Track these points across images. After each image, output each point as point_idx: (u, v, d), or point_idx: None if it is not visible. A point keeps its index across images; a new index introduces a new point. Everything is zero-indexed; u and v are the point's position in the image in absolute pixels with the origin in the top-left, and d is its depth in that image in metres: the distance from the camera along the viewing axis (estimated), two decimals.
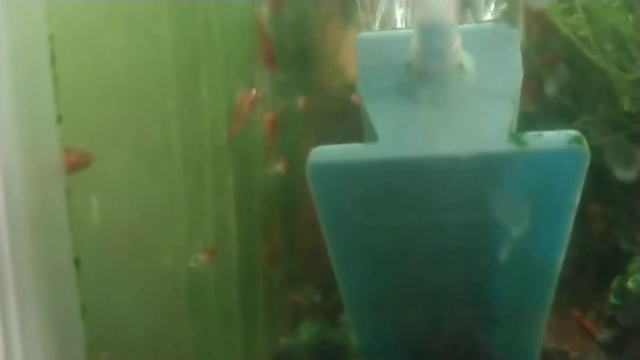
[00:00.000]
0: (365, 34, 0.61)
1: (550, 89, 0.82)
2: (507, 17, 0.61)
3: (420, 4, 0.54)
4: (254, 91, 0.81)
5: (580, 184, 0.56)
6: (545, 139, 0.54)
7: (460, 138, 0.55)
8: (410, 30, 0.57)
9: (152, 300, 0.67)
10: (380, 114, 0.57)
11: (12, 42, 0.47)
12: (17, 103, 0.47)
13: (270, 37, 0.87)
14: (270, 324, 0.91)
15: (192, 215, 0.72)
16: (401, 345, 0.70)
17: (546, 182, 0.56)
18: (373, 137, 0.56)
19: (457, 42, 0.55)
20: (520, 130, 0.55)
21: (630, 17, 0.76)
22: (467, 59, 0.57)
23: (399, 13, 0.64)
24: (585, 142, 0.54)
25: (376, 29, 0.66)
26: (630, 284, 0.74)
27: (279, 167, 0.93)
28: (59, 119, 0.51)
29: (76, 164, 0.54)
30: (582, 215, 0.59)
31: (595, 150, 0.56)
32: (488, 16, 0.63)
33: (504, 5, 0.63)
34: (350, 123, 0.70)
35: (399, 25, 0.66)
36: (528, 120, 0.61)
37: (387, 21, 0.64)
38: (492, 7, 0.63)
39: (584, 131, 0.54)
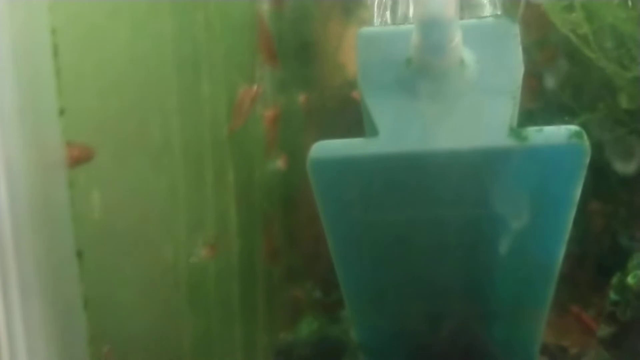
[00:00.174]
0: (366, 29, 0.61)
1: (550, 85, 0.82)
2: (507, 12, 0.61)
3: (420, 0, 0.54)
4: (255, 87, 0.81)
5: (581, 180, 0.56)
6: (546, 134, 0.54)
7: (461, 133, 0.55)
8: (411, 26, 0.57)
9: (152, 294, 0.67)
10: (380, 109, 0.57)
11: (14, 35, 0.47)
12: (19, 96, 0.47)
13: (270, 33, 0.87)
14: (270, 319, 0.91)
15: (192, 209, 0.72)
16: (401, 340, 0.70)
17: (546, 177, 0.56)
18: (373, 132, 0.56)
19: (457, 38, 0.55)
20: (521, 126, 0.55)
21: (630, 15, 0.76)
22: (467, 54, 0.57)
23: (401, 10, 0.64)
24: (585, 137, 0.54)
25: (377, 24, 0.66)
26: (630, 280, 0.74)
27: (279, 163, 0.93)
28: (62, 112, 0.51)
29: (78, 158, 0.54)
30: (582, 212, 0.59)
31: (595, 147, 0.55)
32: (488, 12, 0.63)
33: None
34: (350, 119, 0.70)
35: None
36: (528, 116, 0.62)
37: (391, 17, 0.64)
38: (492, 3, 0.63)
39: (584, 127, 0.54)
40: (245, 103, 0.80)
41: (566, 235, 0.60)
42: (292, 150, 0.94)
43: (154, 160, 0.66)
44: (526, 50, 0.58)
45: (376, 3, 0.65)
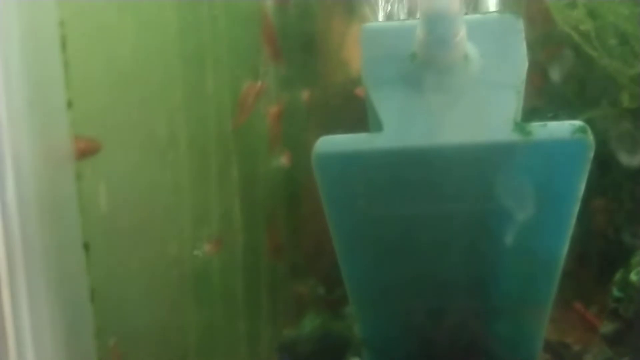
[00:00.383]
0: (370, 24, 0.61)
1: (554, 80, 0.82)
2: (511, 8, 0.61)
3: None
4: (259, 83, 0.81)
5: (585, 175, 0.56)
6: (550, 129, 0.54)
7: (465, 128, 0.55)
8: (415, 21, 0.57)
9: (157, 287, 0.67)
10: (385, 104, 0.57)
11: (22, 27, 0.47)
12: (27, 89, 0.48)
13: (275, 29, 0.87)
14: (274, 314, 0.91)
15: (197, 204, 0.72)
16: (404, 336, 0.70)
17: (550, 172, 0.56)
18: (378, 127, 0.56)
19: (461, 32, 0.55)
20: (525, 121, 0.56)
21: (632, 12, 0.76)
22: (471, 49, 0.57)
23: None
24: (589, 132, 0.54)
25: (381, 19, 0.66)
26: (633, 276, 0.74)
27: (282, 159, 0.93)
28: (69, 105, 0.52)
29: (85, 151, 0.54)
30: (586, 208, 0.59)
31: (599, 143, 0.56)
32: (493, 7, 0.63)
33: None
34: (353, 116, 0.70)
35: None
36: (531, 112, 0.62)
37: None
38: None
39: (588, 122, 0.54)
40: (249, 99, 0.80)
41: (570, 231, 0.60)
42: (295, 146, 0.94)
43: (159, 155, 0.66)
44: (530, 46, 0.58)
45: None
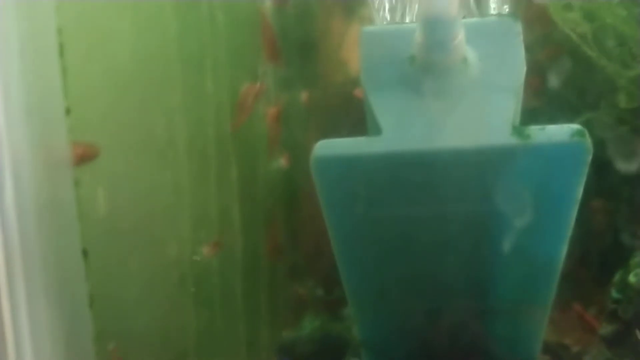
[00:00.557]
0: (369, 27, 0.61)
1: (553, 83, 0.82)
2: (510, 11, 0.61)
3: None
4: (257, 84, 0.81)
5: (583, 178, 0.56)
6: (548, 133, 0.54)
7: (464, 131, 0.55)
8: (414, 24, 0.57)
9: (157, 291, 0.67)
10: (383, 107, 0.57)
11: (21, 34, 0.47)
12: (26, 95, 0.48)
13: (273, 30, 0.87)
14: (273, 316, 0.91)
15: (196, 207, 0.72)
16: (403, 337, 0.70)
17: (549, 175, 0.56)
18: (376, 131, 0.56)
19: (460, 35, 0.55)
20: (523, 124, 0.56)
21: (630, 14, 0.76)
22: (470, 53, 0.57)
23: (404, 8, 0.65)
24: (587, 135, 0.54)
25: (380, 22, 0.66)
26: (632, 278, 0.74)
27: (281, 160, 0.93)
28: (68, 111, 0.52)
29: (83, 156, 0.54)
30: (584, 210, 0.59)
31: (597, 145, 0.56)
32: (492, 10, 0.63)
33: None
34: (352, 118, 0.70)
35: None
36: (530, 115, 0.62)
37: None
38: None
39: (586, 125, 0.55)
40: (248, 100, 0.80)
41: (568, 233, 0.60)
42: (294, 147, 0.94)
43: (158, 158, 0.66)
44: (529, 49, 0.58)
45: (377, 1, 0.65)
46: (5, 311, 0.46)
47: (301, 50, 0.98)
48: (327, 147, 0.56)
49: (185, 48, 0.70)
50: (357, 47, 0.60)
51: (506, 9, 0.64)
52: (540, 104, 0.81)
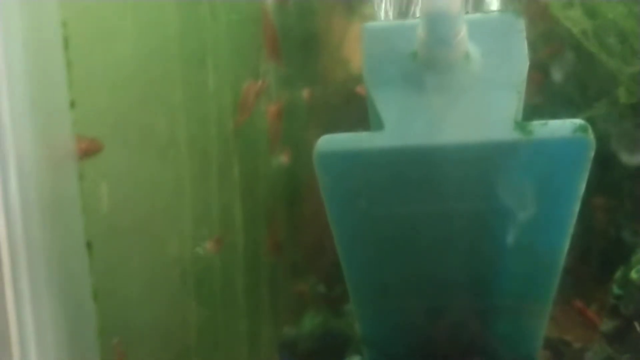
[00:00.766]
0: (371, 23, 0.61)
1: (555, 79, 0.83)
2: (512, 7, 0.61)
3: None
4: (259, 82, 0.81)
5: (586, 173, 0.56)
6: (551, 128, 0.54)
7: (466, 127, 0.55)
8: (416, 20, 0.57)
9: (159, 286, 0.68)
10: (386, 103, 0.57)
11: (25, 28, 0.47)
12: (30, 88, 0.48)
13: (275, 28, 0.87)
14: (274, 313, 0.92)
15: (198, 203, 0.72)
16: (404, 334, 0.70)
17: (551, 170, 0.56)
18: (379, 126, 0.57)
19: (463, 32, 0.55)
20: (526, 120, 0.56)
21: (631, 10, 0.76)
22: (472, 49, 0.57)
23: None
24: (590, 131, 0.54)
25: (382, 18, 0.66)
26: (633, 274, 0.74)
27: (282, 157, 0.93)
28: (72, 105, 0.52)
29: (87, 150, 0.54)
30: (586, 206, 0.59)
31: (600, 140, 0.56)
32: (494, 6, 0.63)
33: None
34: (354, 115, 0.70)
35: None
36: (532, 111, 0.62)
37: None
38: None
39: (589, 120, 0.55)
40: (250, 97, 0.80)
41: (570, 229, 0.60)
42: (295, 145, 0.94)
43: (160, 154, 0.67)
44: (531, 45, 0.58)
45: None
46: (9, 304, 0.46)
47: (303, 47, 0.98)
48: (330, 142, 0.57)
49: (188, 45, 0.70)
50: (359, 44, 0.60)
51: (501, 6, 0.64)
52: (542, 100, 0.81)
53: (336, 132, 0.57)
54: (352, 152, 0.56)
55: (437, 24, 0.55)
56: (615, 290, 0.75)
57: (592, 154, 0.55)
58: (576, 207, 0.58)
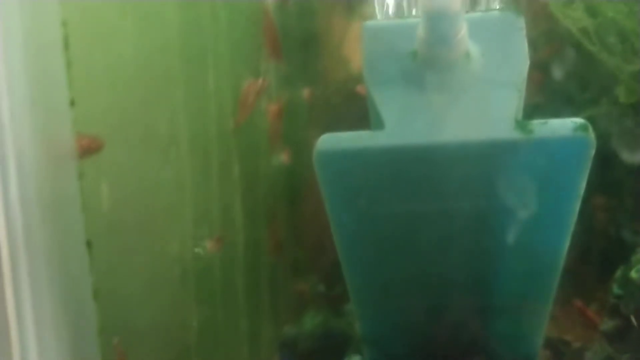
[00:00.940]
0: (371, 22, 0.61)
1: (555, 78, 0.83)
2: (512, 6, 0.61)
3: None
4: (259, 80, 0.81)
5: (586, 172, 0.56)
6: (551, 127, 0.54)
7: (467, 125, 0.55)
8: (416, 19, 0.57)
9: (159, 285, 0.68)
10: (386, 102, 0.57)
11: (25, 27, 0.47)
12: (30, 87, 0.48)
13: (276, 27, 0.87)
14: (275, 312, 0.92)
15: (198, 202, 0.72)
16: (405, 333, 0.70)
17: (552, 169, 0.56)
18: (379, 125, 0.56)
19: (463, 30, 0.55)
20: (526, 119, 0.56)
21: (631, 9, 0.76)
22: (473, 47, 0.57)
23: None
24: (590, 130, 0.54)
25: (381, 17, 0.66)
26: (633, 274, 0.74)
27: (282, 157, 0.93)
28: (72, 103, 0.52)
29: (88, 149, 0.54)
30: (586, 205, 0.59)
31: (600, 140, 0.56)
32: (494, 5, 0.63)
33: None
34: (354, 114, 0.70)
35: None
36: (533, 109, 0.62)
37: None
38: None
39: (589, 119, 0.55)
40: (250, 96, 0.80)
41: (571, 228, 0.60)
42: (296, 144, 0.94)
43: (161, 153, 0.67)
44: (531, 43, 0.58)
45: None
46: (9, 303, 0.46)
47: (303, 47, 0.98)
48: (330, 141, 0.57)
49: (188, 44, 0.70)
50: (359, 43, 0.60)
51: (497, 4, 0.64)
52: (543, 99, 0.81)
53: (336, 131, 0.57)
54: (353, 151, 0.56)
55: (437, 22, 0.55)
56: (616, 289, 0.75)
57: (592, 153, 0.54)
58: (576, 206, 0.58)
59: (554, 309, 0.67)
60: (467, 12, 0.58)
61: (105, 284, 0.56)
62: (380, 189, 0.58)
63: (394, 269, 0.64)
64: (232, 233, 0.80)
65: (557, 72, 0.83)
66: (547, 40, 0.83)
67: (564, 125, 0.54)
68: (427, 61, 0.57)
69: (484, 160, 0.56)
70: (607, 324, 0.76)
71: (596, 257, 0.87)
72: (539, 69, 0.83)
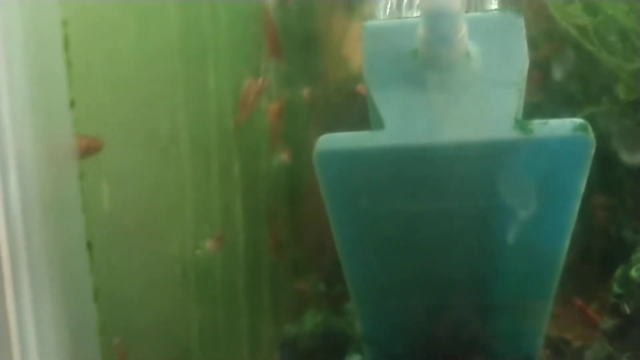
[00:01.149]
0: (371, 22, 0.61)
1: (555, 77, 0.83)
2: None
3: None
4: (260, 80, 0.81)
5: (586, 172, 0.56)
6: (551, 127, 0.54)
7: (467, 125, 0.55)
8: (416, 19, 0.57)
9: (160, 285, 0.68)
10: (386, 102, 0.57)
11: (25, 27, 0.47)
12: (30, 88, 0.48)
13: (276, 27, 0.87)
14: (275, 311, 0.92)
15: (199, 202, 0.72)
16: (405, 332, 0.70)
17: (552, 169, 0.56)
18: (380, 125, 0.57)
19: (463, 30, 0.55)
20: (526, 118, 0.56)
21: (631, 8, 0.76)
22: (473, 47, 0.57)
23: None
24: (590, 129, 0.54)
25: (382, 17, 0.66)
26: (633, 273, 0.74)
27: (283, 156, 0.93)
28: (72, 104, 0.52)
29: (88, 149, 0.54)
30: (587, 204, 0.59)
31: (600, 139, 0.56)
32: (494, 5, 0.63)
33: None
34: (354, 113, 0.70)
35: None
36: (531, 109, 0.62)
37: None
38: None
39: (589, 119, 0.55)
40: (251, 96, 0.80)
41: (571, 228, 0.60)
42: (296, 144, 0.94)
43: (161, 153, 0.67)
44: (531, 43, 0.58)
45: None
46: (9, 303, 0.46)
47: (303, 46, 0.98)
48: (330, 141, 0.57)
49: (188, 44, 0.70)
50: (359, 43, 0.60)
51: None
52: (543, 99, 0.81)
53: (336, 131, 0.57)
54: (352, 151, 0.56)
55: (437, 22, 0.55)
56: (616, 288, 0.75)
57: (592, 152, 0.54)
58: (576, 206, 0.58)
59: (555, 308, 0.67)
60: (466, 11, 0.58)
61: (106, 284, 0.56)
62: (380, 189, 0.58)
63: (394, 268, 0.64)
64: (232, 233, 0.81)
65: (557, 72, 0.83)
66: (547, 39, 0.83)
67: (564, 125, 0.54)
68: (427, 61, 0.57)
69: (484, 160, 0.56)
70: (608, 323, 0.76)
71: (596, 256, 0.87)
72: (539, 69, 0.83)
